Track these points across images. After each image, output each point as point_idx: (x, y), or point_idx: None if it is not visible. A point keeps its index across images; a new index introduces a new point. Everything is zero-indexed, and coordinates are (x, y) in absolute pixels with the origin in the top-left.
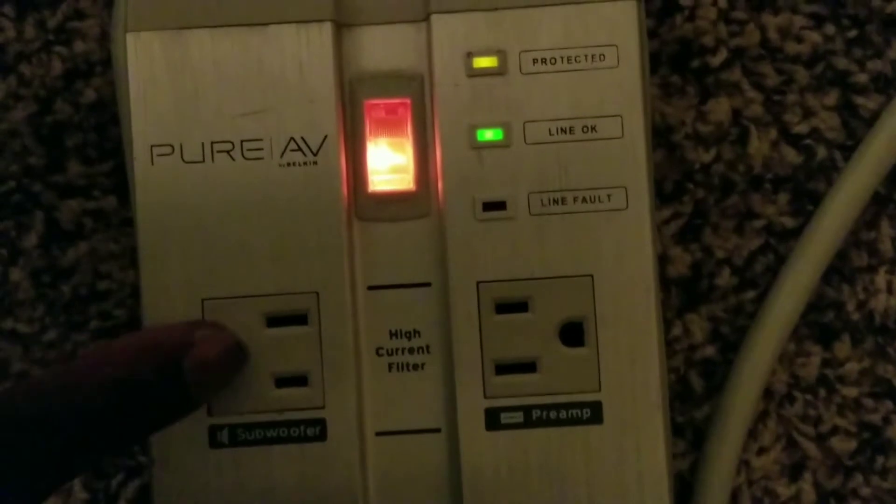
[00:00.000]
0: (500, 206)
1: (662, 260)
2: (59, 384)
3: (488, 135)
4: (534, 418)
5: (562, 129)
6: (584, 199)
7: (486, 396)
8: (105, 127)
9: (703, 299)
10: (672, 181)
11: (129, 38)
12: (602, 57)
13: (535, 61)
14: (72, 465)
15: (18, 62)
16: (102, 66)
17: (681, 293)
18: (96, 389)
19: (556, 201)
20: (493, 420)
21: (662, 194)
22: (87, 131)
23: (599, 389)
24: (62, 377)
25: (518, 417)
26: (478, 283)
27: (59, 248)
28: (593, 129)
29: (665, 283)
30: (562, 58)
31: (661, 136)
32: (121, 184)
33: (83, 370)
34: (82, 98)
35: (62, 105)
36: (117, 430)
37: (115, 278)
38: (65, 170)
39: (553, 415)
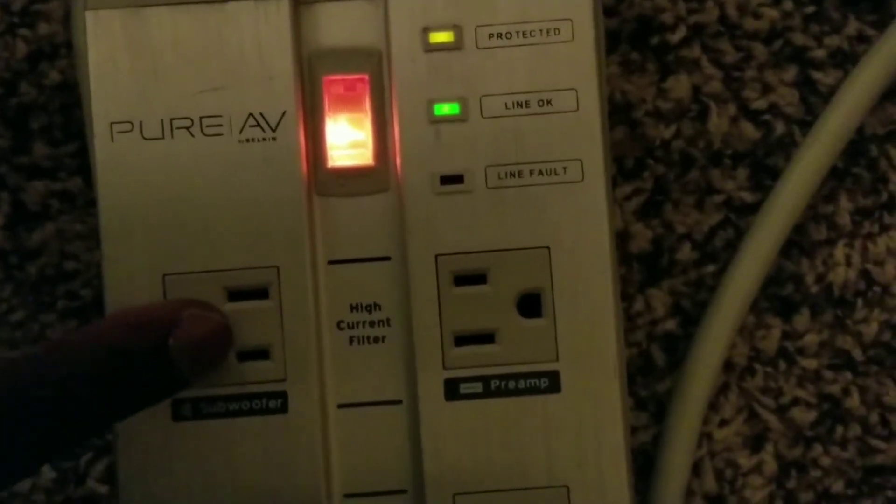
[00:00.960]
0: (457, 179)
1: (624, 236)
2: (48, 359)
3: (445, 109)
4: (493, 388)
5: (518, 102)
6: (540, 172)
7: (445, 367)
8: (70, 108)
9: (665, 274)
10: (633, 158)
11: (89, 16)
12: (557, 31)
13: (490, 36)
14: (56, 443)
15: None
16: (67, 48)
17: (642, 268)
18: (85, 363)
19: (512, 174)
20: (452, 391)
21: (623, 171)
22: (52, 113)
23: (557, 359)
24: (50, 352)
25: (477, 388)
26: (436, 256)
27: (25, 230)
28: (549, 102)
29: (626, 258)
30: (517, 32)
31: (621, 113)
32: (86, 165)
33: (70, 345)
34: (47, 80)
35: (27, 87)
36: (103, 406)
37: (81, 259)
38: (30, 151)
39: (511, 385)
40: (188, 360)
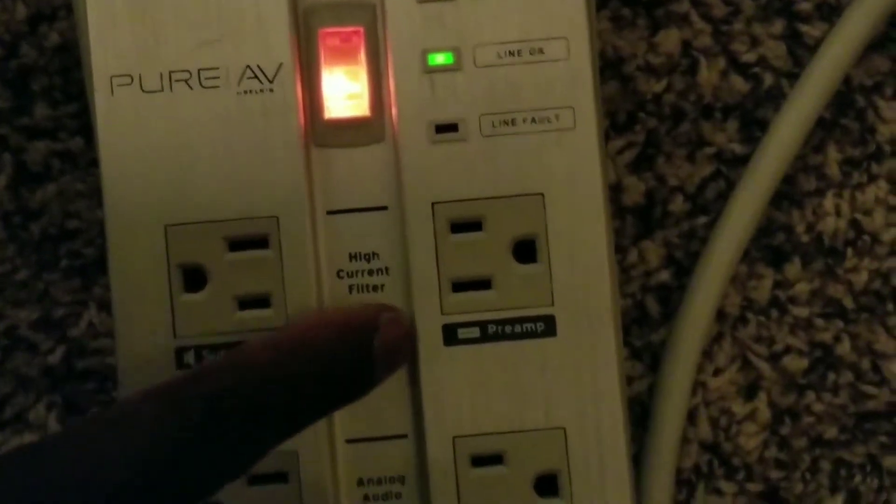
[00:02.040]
0: (452, 128)
1: (617, 189)
2: (268, 357)
3: (439, 59)
4: (490, 333)
5: (510, 51)
6: (533, 120)
7: (443, 313)
8: (70, 70)
9: (658, 226)
10: (625, 112)
11: None
12: None
13: None
14: (267, 442)
15: None
16: (66, 9)
17: (636, 221)
18: (303, 361)
19: (506, 122)
20: (450, 336)
21: (616, 125)
22: (52, 74)
23: (552, 304)
24: (267, 350)
25: (475, 332)
26: (433, 204)
27: (27, 190)
28: (540, 51)
29: (620, 211)
30: None
31: (613, 68)
32: (87, 125)
33: (288, 342)
34: (47, 42)
35: (27, 49)
36: (314, 403)
37: (83, 217)
38: (31, 113)
39: (508, 329)
40: (387, 362)
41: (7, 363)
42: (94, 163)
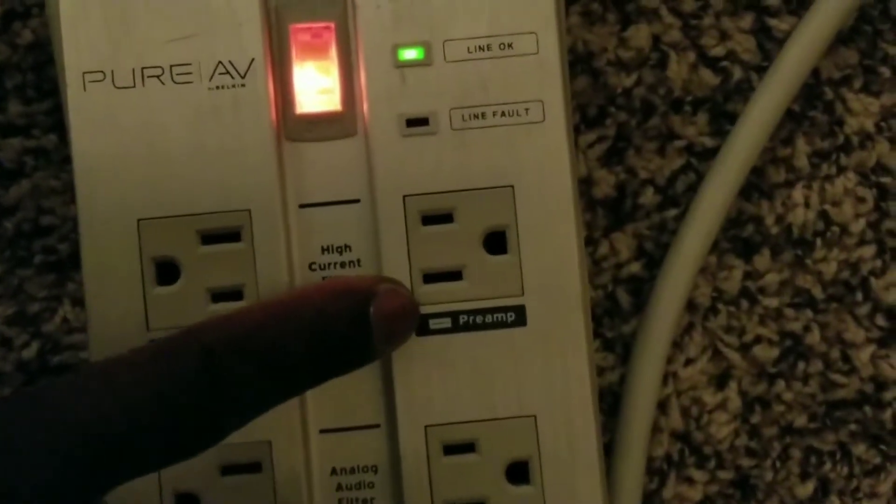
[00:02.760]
0: (423, 122)
1: (588, 182)
2: (263, 315)
3: (410, 54)
4: (461, 323)
5: (480, 46)
6: (503, 114)
7: None
8: (43, 67)
9: (628, 218)
10: (595, 106)
11: None
12: None
13: None
14: (269, 398)
15: None
16: (39, 7)
17: (607, 213)
18: (293, 321)
19: (476, 116)
20: (422, 327)
21: (586, 119)
22: (25, 72)
23: (523, 294)
24: (264, 310)
25: (446, 323)
26: (404, 196)
27: (1, 187)
28: (510, 46)
29: (591, 203)
30: None
31: (583, 62)
32: (60, 122)
33: (280, 305)
34: (20, 39)
35: (0, 47)
36: (308, 365)
37: (57, 213)
38: (5, 110)
39: (479, 319)
40: (384, 330)
41: None
42: (67, 159)
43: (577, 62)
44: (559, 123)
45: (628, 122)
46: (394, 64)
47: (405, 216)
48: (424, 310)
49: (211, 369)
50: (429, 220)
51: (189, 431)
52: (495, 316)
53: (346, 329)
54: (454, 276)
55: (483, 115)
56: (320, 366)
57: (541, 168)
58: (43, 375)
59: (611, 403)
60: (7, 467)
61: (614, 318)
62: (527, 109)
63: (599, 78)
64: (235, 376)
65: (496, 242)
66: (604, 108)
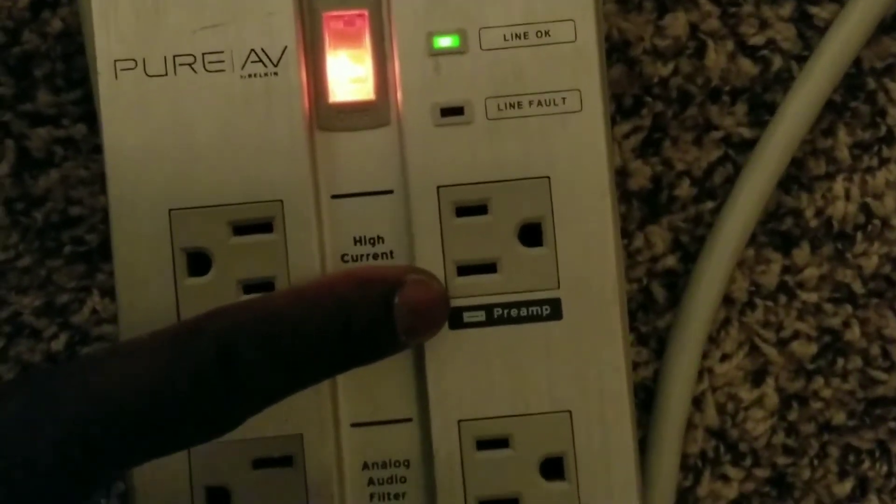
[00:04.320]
0: (457, 111)
1: (623, 173)
2: (288, 303)
3: (444, 42)
4: (495, 316)
5: (516, 34)
6: (539, 103)
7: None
8: (72, 56)
9: (664, 211)
10: (631, 96)
11: None
12: None
13: None
14: (291, 386)
15: None
16: None
17: (642, 205)
18: (318, 311)
19: (512, 105)
20: (456, 319)
21: (622, 109)
22: (54, 61)
23: (558, 287)
24: (288, 298)
25: (480, 316)
26: (438, 187)
27: (30, 177)
28: (547, 33)
29: (626, 195)
30: None
31: (619, 51)
32: (89, 112)
33: (304, 293)
34: (49, 28)
35: (30, 35)
36: (330, 354)
37: (86, 204)
38: (34, 99)
39: (514, 312)
40: (408, 321)
41: (10, 349)
42: (96, 149)
43: (613, 51)
44: (597, 113)
45: (665, 113)
46: (428, 52)
47: (439, 207)
48: (458, 303)
49: (225, 357)
50: (463, 211)
51: (201, 418)
52: (530, 309)
53: (368, 318)
54: (489, 268)
55: (519, 104)
56: (339, 355)
57: (577, 159)
58: None
59: (645, 399)
60: (24, 439)
61: (649, 312)
62: (564, 99)
63: (635, 67)
64: (250, 365)
65: (531, 234)
66: (640, 97)
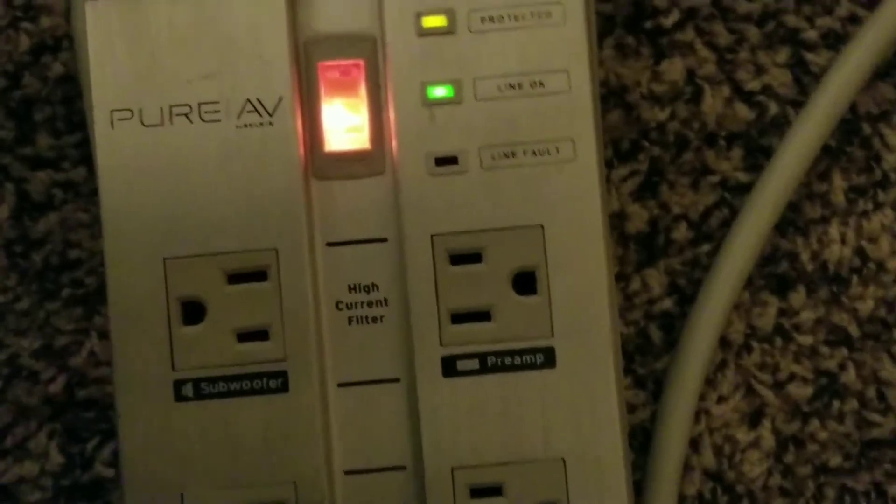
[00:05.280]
0: (452, 161)
1: (620, 216)
2: None
3: (439, 92)
4: (489, 364)
5: (510, 84)
6: (533, 152)
7: (442, 345)
8: (72, 100)
9: (661, 254)
10: (628, 140)
11: (88, 7)
12: (548, 14)
13: (483, 19)
14: None
15: None
16: (69, 40)
17: (639, 248)
18: None
19: (506, 155)
20: (449, 367)
21: (619, 153)
22: (55, 104)
23: (552, 335)
24: None
25: (474, 364)
26: (432, 236)
27: (30, 219)
28: (541, 84)
29: (623, 238)
30: (509, 16)
31: (616, 96)
32: (89, 155)
33: None
34: (50, 72)
35: (30, 79)
36: None
37: (85, 247)
38: (34, 142)
39: (508, 361)
40: None
41: (8, 392)
42: (96, 192)
43: (611, 95)
44: (590, 161)
45: (662, 157)
46: (423, 102)
47: (433, 255)
48: (452, 350)
49: None
50: (457, 259)
51: None
52: (524, 358)
53: None
54: (483, 316)
55: (513, 153)
56: None
57: (571, 208)
58: (69, 409)
59: (642, 441)
60: None
61: (646, 354)
62: (557, 148)
63: (633, 112)
64: None
65: (525, 282)
66: (637, 142)
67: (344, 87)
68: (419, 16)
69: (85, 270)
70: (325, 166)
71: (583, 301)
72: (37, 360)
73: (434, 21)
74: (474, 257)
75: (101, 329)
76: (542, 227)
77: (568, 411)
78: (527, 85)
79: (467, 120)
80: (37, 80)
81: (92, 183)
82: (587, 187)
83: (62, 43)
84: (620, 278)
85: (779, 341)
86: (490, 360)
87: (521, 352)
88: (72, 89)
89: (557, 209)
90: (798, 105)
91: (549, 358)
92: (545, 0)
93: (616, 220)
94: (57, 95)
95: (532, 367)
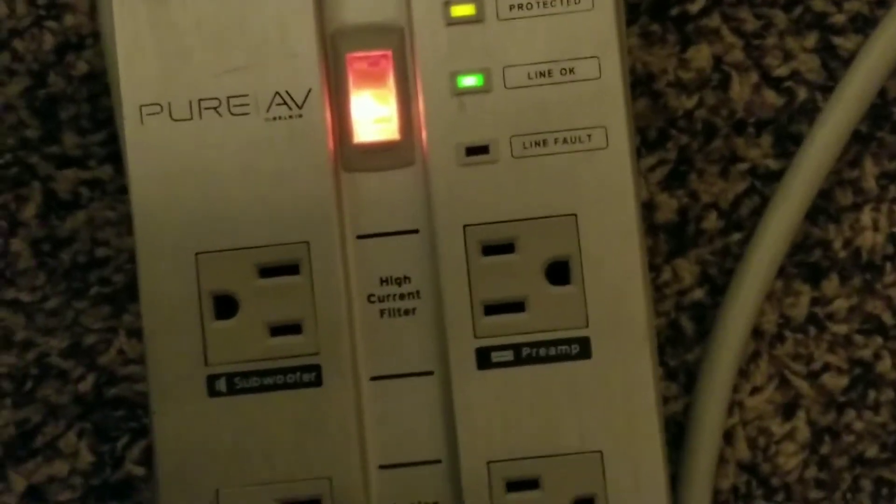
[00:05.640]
0: (482, 150)
1: (649, 206)
2: None
3: (469, 81)
4: (524, 356)
5: (540, 72)
6: (564, 140)
7: (476, 337)
8: (98, 98)
9: (691, 243)
10: (656, 128)
11: (115, 3)
12: (577, 1)
13: (511, 7)
14: None
15: (11, 38)
16: (93, 38)
17: (669, 238)
18: None
19: (537, 143)
20: (483, 360)
21: (647, 142)
22: (80, 103)
23: (587, 325)
24: None
25: (508, 356)
26: (464, 226)
27: (57, 218)
28: (571, 71)
29: (653, 228)
30: (538, 2)
31: (643, 84)
32: (115, 153)
33: None
34: (74, 70)
35: (55, 78)
36: None
37: (112, 245)
38: (60, 141)
39: (542, 352)
40: None
41: (38, 391)
42: (122, 190)
43: (637, 84)
44: (622, 149)
45: (690, 145)
46: (452, 91)
47: (465, 246)
48: (486, 342)
49: None
50: (490, 250)
51: None
52: (559, 348)
53: None
54: (516, 307)
55: (544, 142)
56: None
57: (604, 196)
58: (99, 408)
59: (675, 434)
60: None
61: (677, 346)
62: (589, 136)
63: (660, 100)
64: None
65: (559, 272)
66: (665, 130)
67: (372, 78)
68: (447, 4)
69: (113, 268)
70: (354, 158)
71: (617, 290)
72: (65, 359)
73: (462, 10)
74: (507, 248)
75: (129, 327)
76: (576, 215)
77: (604, 403)
78: (557, 72)
79: (497, 109)
80: (62, 79)
81: (119, 181)
82: (620, 175)
83: (86, 41)
84: (651, 269)
85: (812, 331)
86: (525, 352)
87: (555, 342)
88: (97, 87)
89: (590, 198)
90: (827, 90)
91: (584, 348)
92: None
93: (645, 210)
94: (82, 94)
95: (567, 357)
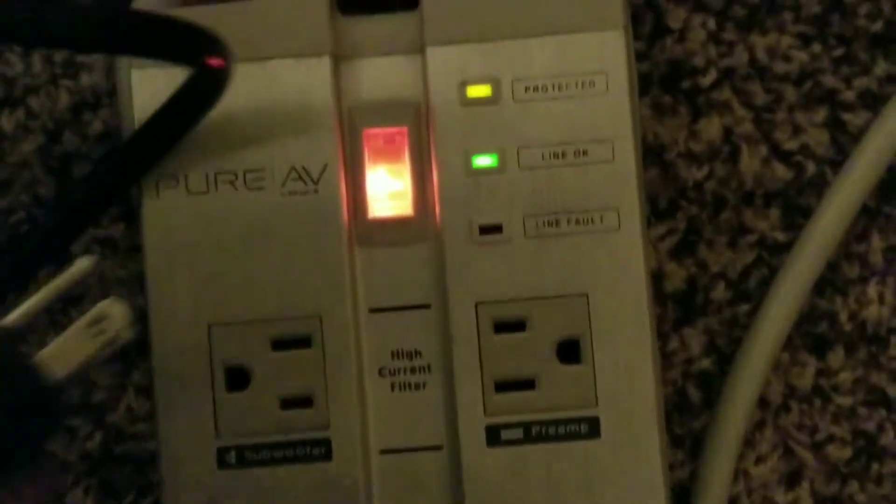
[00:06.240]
0: (496, 229)
1: (658, 275)
2: None
3: (483, 161)
4: (533, 434)
5: (554, 153)
6: (577, 221)
7: (486, 414)
8: None
9: (699, 313)
10: (666, 198)
11: (134, 74)
12: (592, 84)
13: (527, 89)
14: None
15: (27, 95)
16: (109, 97)
17: (677, 307)
18: None
19: (550, 223)
20: (493, 436)
21: (657, 211)
22: (94, 161)
23: (597, 405)
24: None
25: (518, 433)
26: (476, 303)
27: None
28: (585, 153)
29: (661, 297)
30: (553, 85)
31: (654, 154)
32: (128, 211)
33: None
34: (89, 129)
35: (70, 136)
36: None
37: None
38: None
39: (552, 430)
40: None
41: (46, 448)
42: (134, 248)
43: (648, 154)
44: (634, 230)
45: (699, 216)
46: (467, 171)
47: (477, 323)
48: (497, 419)
49: None
50: (501, 327)
51: None
52: (568, 427)
53: None
54: (527, 384)
55: (557, 222)
56: None
57: (615, 276)
58: (106, 465)
59: (681, 500)
60: None
61: (684, 413)
62: (602, 217)
63: (670, 170)
64: None
65: (569, 350)
66: (674, 200)
67: (388, 154)
68: (464, 84)
69: None
70: (368, 233)
71: (627, 371)
72: (74, 415)
73: (479, 91)
74: (518, 325)
75: (138, 385)
76: (587, 295)
77: (612, 482)
78: (571, 154)
79: (511, 188)
80: (76, 137)
81: (130, 240)
82: (631, 257)
83: (102, 100)
84: (659, 337)
85: (817, 402)
86: (535, 430)
87: (565, 421)
88: (111, 146)
89: (601, 278)
90: (835, 165)
91: (593, 428)
92: (589, 69)
93: (654, 279)
94: (97, 152)
95: (576, 436)
